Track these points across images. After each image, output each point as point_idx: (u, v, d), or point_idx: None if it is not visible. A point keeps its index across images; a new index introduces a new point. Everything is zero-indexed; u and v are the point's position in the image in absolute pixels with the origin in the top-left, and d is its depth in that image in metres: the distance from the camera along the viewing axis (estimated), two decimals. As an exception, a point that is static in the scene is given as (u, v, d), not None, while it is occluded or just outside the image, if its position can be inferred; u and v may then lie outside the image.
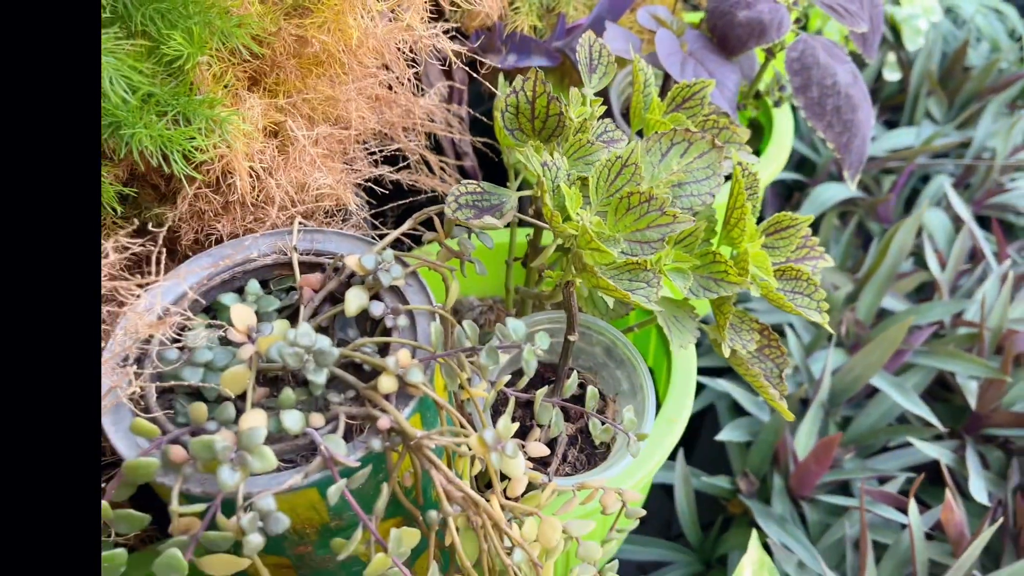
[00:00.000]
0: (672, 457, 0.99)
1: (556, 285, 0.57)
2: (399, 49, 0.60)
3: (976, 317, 1.08)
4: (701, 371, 0.91)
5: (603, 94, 0.76)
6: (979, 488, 0.93)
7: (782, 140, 0.91)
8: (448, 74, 0.78)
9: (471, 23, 0.77)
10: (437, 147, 0.80)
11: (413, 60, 0.67)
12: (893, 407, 1.03)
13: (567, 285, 0.53)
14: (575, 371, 0.70)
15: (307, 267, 0.54)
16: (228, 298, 0.51)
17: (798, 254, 0.68)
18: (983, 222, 1.30)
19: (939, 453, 0.97)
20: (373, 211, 0.77)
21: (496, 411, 0.62)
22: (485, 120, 0.80)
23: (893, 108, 1.45)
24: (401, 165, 0.71)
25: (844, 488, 1.01)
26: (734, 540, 0.96)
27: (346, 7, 0.54)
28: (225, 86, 0.54)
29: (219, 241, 0.55)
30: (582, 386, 0.68)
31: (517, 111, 0.54)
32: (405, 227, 0.53)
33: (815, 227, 1.28)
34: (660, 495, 1.05)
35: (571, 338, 0.58)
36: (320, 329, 0.53)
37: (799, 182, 1.33)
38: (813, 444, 0.99)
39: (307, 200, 0.58)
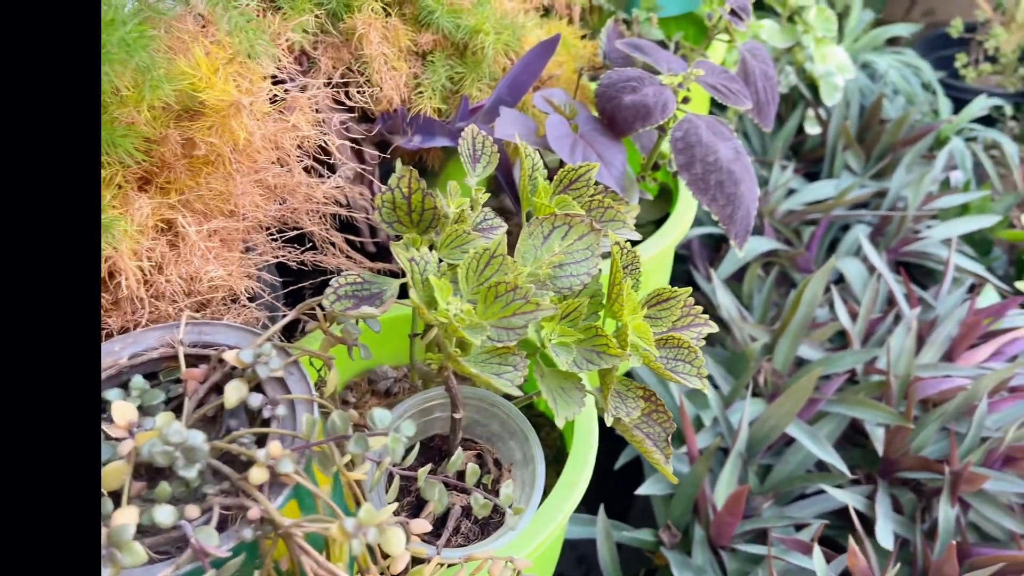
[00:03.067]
0: (594, 512, 1.02)
1: (436, 366, 0.60)
2: (297, 145, 0.63)
3: (885, 365, 1.12)
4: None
5: (507, 174, 0.79)
6: (885, 531, 0.97)
7: (688, 202, 0.96)
8: (359, 155, 0.81)
9: (377, 107, 0.81)
10: (351, 226, 0.83)
11: (323, 150, 0.71)
12: (810, 455, 1.07)
13: (442, 370, 0.56)
14: (472, 442, 0.73)
15: (194, 359, 0.57)
16: (112, 394, 0.53)
17: (682, 322, 0.71)
18: (902, 269, 1.35)
19: (850, 499, 1.01)
20: (291, 287, 0.80)
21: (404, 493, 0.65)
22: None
23: (813, 160, 1.51)
24: (307, 247, 0.74)
25: (763, 536, 1.04)
26: (657, 594, 0.98)
27: (231, 111, 0.57)
28: (119, 186, 0.57)
29: (109, 336, 0.58)
30: (480, 456, 0.71)
31: (394, 206, 0.58)
32: (288, 319, 0.56)
33: (739, 277, 1.32)
34: (589, 550, 1.08)
35: (456, 416, 0.61)
36: (206, 419, 0.56)
37: (725, 236, 1.38)
38: (731, 493, 1.02)
39: (201, 291, 0.61)
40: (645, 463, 1.11)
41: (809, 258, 1.32)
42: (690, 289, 0.69)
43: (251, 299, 0.70)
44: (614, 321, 0.69)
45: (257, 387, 0.55)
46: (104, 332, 0.58)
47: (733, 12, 0.90)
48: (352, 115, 0.79)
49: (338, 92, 0.77)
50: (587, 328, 0.65)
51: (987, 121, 1.68)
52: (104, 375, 0.55)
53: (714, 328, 0.72)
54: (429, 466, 0.58)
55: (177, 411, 0.57)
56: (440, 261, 0.55)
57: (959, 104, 1.64)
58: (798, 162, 1.50)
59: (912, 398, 0.99)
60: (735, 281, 1.32)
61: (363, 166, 0.81)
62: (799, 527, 1.03)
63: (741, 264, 1.28)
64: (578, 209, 0.68)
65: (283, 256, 0.70)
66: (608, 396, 0.65)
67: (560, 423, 0.66)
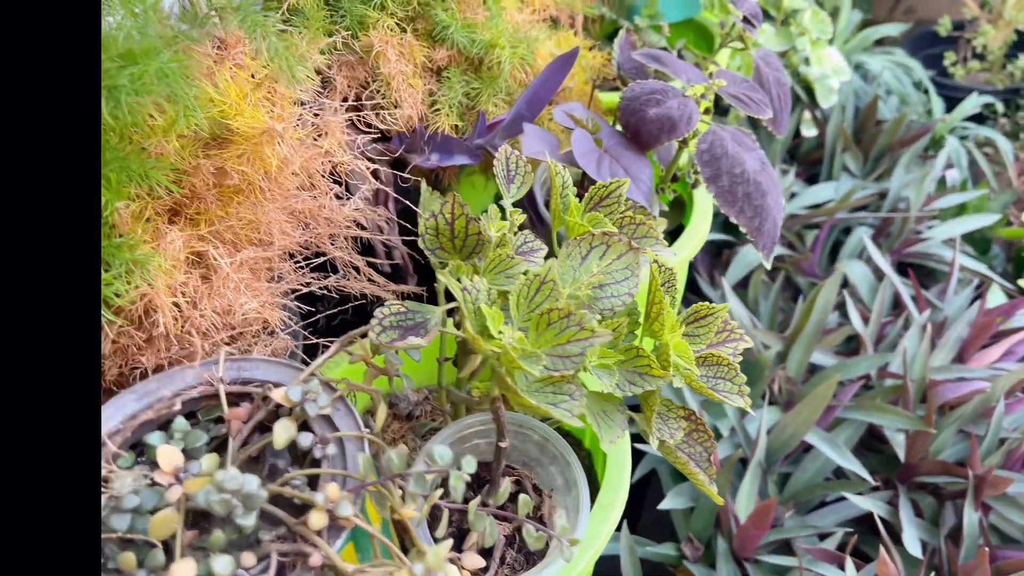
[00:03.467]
0: (617, 528, 1.01)
1: (483, 394, 0.58)
2: (321, 170, 0.61)
3: (900, 368, 1.12)
4: (640, 438, 0.93)
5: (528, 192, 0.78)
6: (912, 539, 0.96)
7: (703, 213, 0.95)
8: (375, 174, 0.79)
9: (395, 127, 0.79)
10: (367, 248, 0.82)
11: (335, 173, 0.69)
12: (828, 462, 1.06)
13: (494, 400, 0.55)
14: (510, 468, 0.71)
15: (235, 396, 0.55)
16: (155, 437, 0.51)
17: (719, 338, 0.70)
18: (904, 270, 1.36)
19: (873, 505, 1.00)
20: (311, 318, 0.78)
21: (434, 517, 0.63)
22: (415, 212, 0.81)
23: (812, 163, 1.51)
24: (317, 267, 0.72)
25: (786, 546, 1.03)
26: (683, 608, 0.97)
27: (264, 139, 0.55)
28: (147, 220, 0.55)
29: (144, 375, 0.56)
30: (518, 483, 0.70)
31: (437, 232, 0.56)
32: (330, 354, 0.54)
33: (744, 283, 1.32)
34: (607, 566, 1.06)
35: (502, 445, 0.59)
36: (250, 460, 0.54)
37: (728, 242, 1.38)
38: (753, 504, 1.01)
39: (234, 323, 0.59)
40: (661, 476, 1.10)
41: (813, 262, 1.32)
42: (727, 305, 0.68)
43: (275, 330, 0.68)
44: (651, 340, 0.67)
45: (303, 425, 0.53)
46: (138, 371, 0.56)
47: (746, 19, 0.89)
48: (367, 133, 0.77)
49: (354, 111, 0.75)
50: (628, 349, 0.64)
51: (976, 119, 1.69)
52: (143, 417, 0.53)
53: (749, 343, 0.71)
54: (478, 499, 0.57)
55: (218, 449, 0.55)
56: (494, 294, 0.53)
57: (948, 102, 1.65)
58: (796, 165, 1.50)
59: (932, 403, 0.99)
60: (740, 288, 1.31)
61: (380, 186, 0.79)
62: (823, 536, 1.02)
63: (747, 270, 1.27)
64: (610, 226, 0.67)
65: (309, 283, 0.68)
66: (652, 418, 0.63)
67: (606, 447, 0.64)
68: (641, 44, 0.94)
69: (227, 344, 0.59)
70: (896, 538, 1.00)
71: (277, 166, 0.57)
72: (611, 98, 1.01)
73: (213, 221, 0.58)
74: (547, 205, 0.90)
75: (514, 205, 0.68)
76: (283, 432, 0.50)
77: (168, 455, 0.48)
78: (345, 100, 0.77)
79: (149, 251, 0.53)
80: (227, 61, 0.59)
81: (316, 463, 0.52)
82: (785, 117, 0.92)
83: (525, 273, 0.56)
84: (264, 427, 0.54)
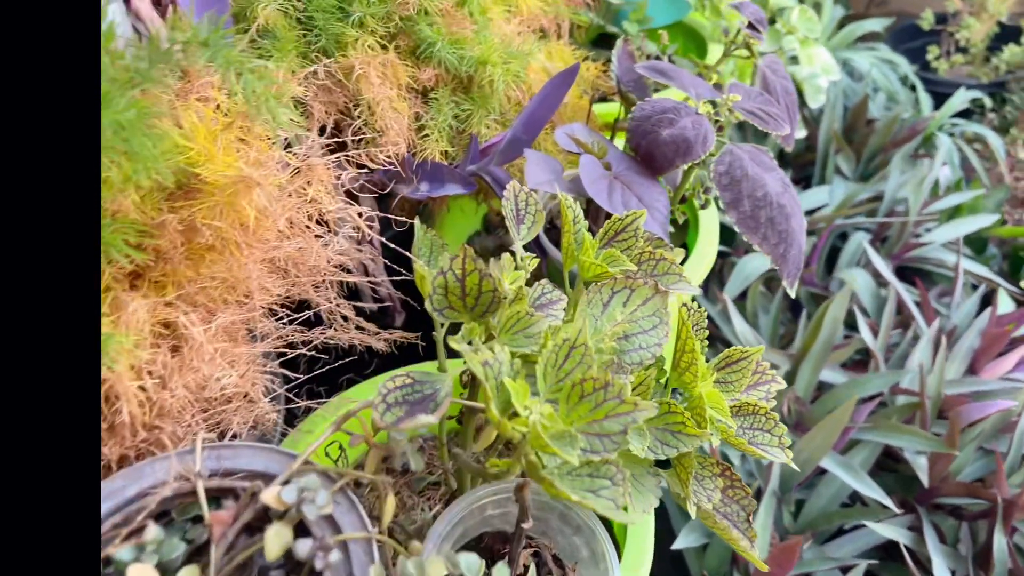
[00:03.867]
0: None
1: (503, 471, 0.51)
2: (306, 220, 0.53)
3: (911, 384, 1.07)
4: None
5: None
6: (943, 570, 0.91)
7: (710, 236, 0.88)
8: (360, 212, 0.72)
9: (379, 156, 0.71)
10: (354, 292, 0.74)
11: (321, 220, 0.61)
12: (843, 486, 1.00)
13: (519, 488, 0.48)
14: (527, 538, 0.64)
15: (216, 492, 0.47)
16: (124, 553, 0.43)
17: (752, 380, 0.64)
18: (905, 275, 1.31)
19: (896, 533, 0.95)
20: (293, 373, 0.70)
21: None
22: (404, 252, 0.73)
23: (803, 166, 1.46)
24: (309, 325, 0.64)
25: (806, 580, 0.98)
26: (702, 654, 0.91)
27: (238, 188, 0.48)
28: (107, 288, 0.47)
29: (107, 469, 0.47)
30: (536, 554, 0.62)
31: (446, 291, 0.49)
32: (325, 436, 0.47)
33: (743, 297, 1.26)
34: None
35: (524, 526, 0.52)
36: (238, 569, 0.46)
37: (722, 252, 1.31)
38: (769, 535, 0.95)
39: (211, 400, 0.51)
40: (670, 512, 1.04)
41: (813, 271, 1.26)
42: (762, 348, 0.61)
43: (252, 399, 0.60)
44: (681, 390, 0.61)
45: (299, 525, 0.45)
46: (101, 465, 0.48)
47: (751, 25, 0.83)
48: (350, 166, 0.69)
49: (335, 140, 0.67)
50: (658, 404, 0.57)
51: (961, 114, 1.65)
52: (108, 524, 0.45)
53: (782, 384, 0.65)
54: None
55: (199, 553, 0.47)
56: (512, 358, 0.46)
57: (933, 97, 1.61)
58: (787, 169, 1.45)
59: (956, 424, 0.93)
60: (737, 300, 1.25)
61: (365, 222, 0.71)
62: (844, 570, 0.97)
63: (745, 284, 1.21)
64: (629, 264, 0.60)
65: (293, 344, 0.60)
66: (689, 482, 0.56)
67: (639, 519, 0.57)
68: (640, 55, 0.87)
69: (202, 414, 0.51)
70: (920, 565, 0.95)
71: (255, 218, 0.49)
72: (608, 110, 0.94)
73: (182, 284, 0.50)
74: (548, 232, 0.83)
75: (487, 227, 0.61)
76: (277, 541, 0.42)
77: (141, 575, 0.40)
78: (323, 130, 0.69)
79: (108, 328, 0.44)
80: (191, 95, 0.51)
81: (317, 573, 0.44)
82: (794, 128, 0.86)
83: (549, 333, 0.49)
84: (252, 529, 0.46)
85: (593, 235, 0.61)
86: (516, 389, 0.44)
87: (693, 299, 0.62)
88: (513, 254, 0.54)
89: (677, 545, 0.95)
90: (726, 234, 1.35)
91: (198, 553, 0.47)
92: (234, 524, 0.45)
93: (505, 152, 0.73)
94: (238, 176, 0.47)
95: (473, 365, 0.43)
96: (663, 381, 0.62)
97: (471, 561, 0.40)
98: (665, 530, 0.99)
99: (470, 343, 0.50)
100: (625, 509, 0.45)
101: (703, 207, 0.83)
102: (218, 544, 0.45)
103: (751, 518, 0.61)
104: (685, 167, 0.79)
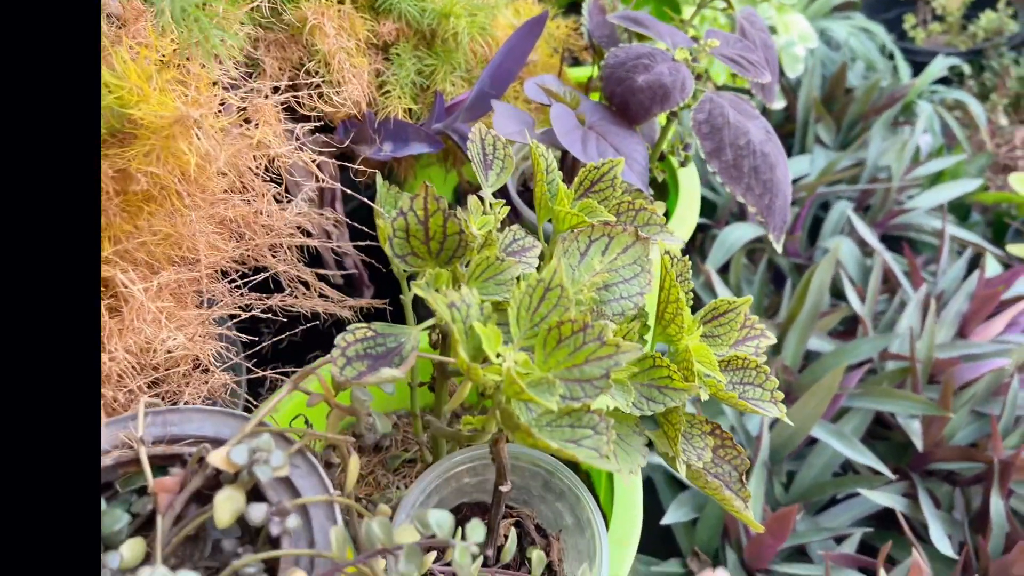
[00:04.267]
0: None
1: (477, 430, 0.47)
2: (254, 167, 0.49)
3: (900, 349, 1.04)
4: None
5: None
6: (940, 536, 0.88)
7: (691, 199, 0.85)
8: (320, 169, 0.68)
9: (338, 114, 0.67)
10: (317, 258, 0.70)
11: (272, 171, 0.57)
12: (834, 456, 0.97)
13: (495, 442, 0.44)
14: (508, 507, 0.60)
15: (162, 460, 0.43)
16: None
17: (741, 334, 0.61)
18: (889, 243, 1.28)
19: (891, 500, 0.92)
20: (254, 346, 0.65)
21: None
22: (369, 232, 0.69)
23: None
24: (268, 293, 0.60)
25: (800, 552, 0.94)
26: (696, 632, 0.87)
27: (176, 130, 0.43)
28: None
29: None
30: (518, 524, 0.59)
31: (408, 234, 0.45)
32: (280, 396, 0.43)
33: (724, 269, 1.23)
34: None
35: (502, 489, 0.49)
36: (188, 540, 0.42)
37: (702, 224, 1.28)
38: (761, 508, 0.92)
39: (156, 364, 0.46)
40: (658, 486, 1.00)
41: (796, 241, 1.23)
42: (749, 299, 0.58)
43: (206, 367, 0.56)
44: (666, 345, 0.57)
45: (254, 491, 0.41)
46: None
47: (726, -23, 0.79)
48: (307, 122, 0.65)
49: (289, 98, 0.63)
50: (642, 359, 0.53)
51: (939, 82, 1.63)
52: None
53: (772, 340, 0.61)
54: (479, 562, 0.46)
55: (145, 527, 0.43)
56: (481, 303, 0.42)
57: (911, 66, 1.58)
58: (766, 140, 1.42)
59: (949, 385, 0.91)
60: (720, 273, 1.22)
61: (325, 184, 0.67)
62: (838, 539, 0.94)
63: (728, 255, 1.18)
64: (606, 214, 0.56)
65: (249, 305, 0.56)
66: (678, 440, 0.53)
67: (627, 480, 0.54)
68: (612, 9, 0.84)
69: (147, 391, 0.47)
70: (917, 533, 0.92)
71: (197, 164, 0.45)
72: (580, 73, 0.91)
73: (119, 238, 0.46)
74: (520, 191, 0.79)
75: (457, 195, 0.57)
76: (227, 506, 0.38)
77: (75, 551, 0.36)
78: (277, 88, 0.65)
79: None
80: (126, 39, 0.47)
81: (274, 540, 0.40)
82: (774, 84, 0.83)
83: (521, 278, 0.45)
84: (203, 497, 0.42)
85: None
86: (487, 335, 0.40)
87: (677, 255, 0.58)
88: (482, 199, 0.50)
89: (666, 520, 0.91)
90: (706, 207, 1.32)
91: (145, 527, 0.43)
92: (182, 492, 0.41)
93: (472, 108, 0.69)
94: (175, 116, 0.43)
95: (437, 306, 0.40)
96: (646, 337, 0.58)
97: (441, 518, 0.37)
98: (653, 506, 0.96)
99: (441, 292, 0.46)
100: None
101: (683, 164, 0.79)
102: (164, 514, 0.41)
103: (744, 478, 0.58)
104: (663, 122, 0.75)
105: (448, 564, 0.46)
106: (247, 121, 0.49)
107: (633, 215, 0.58)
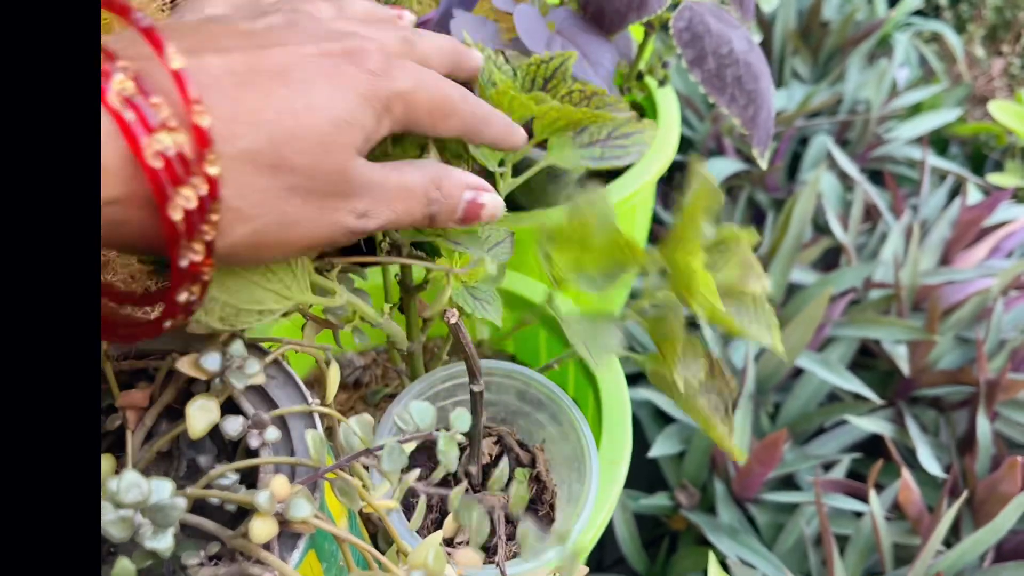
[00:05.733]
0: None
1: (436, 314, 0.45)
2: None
3: (884, 277, 1.03)
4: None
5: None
6: (928, 458, 0.88)
7: (670, 123, 0.83)
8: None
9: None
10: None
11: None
12: (821, 385, 0.97)
13: (449, 320, 0.42)
14: (486, 427, 0.59)
15: (128, 376, 0.41)
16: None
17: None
18: (870, 176, 1.27)
19: (879, 426, 0.92)
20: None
21: (407, 505, 0.50)
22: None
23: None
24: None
25: (788, 482, 0.94)
26: (686, 562, 0.87)
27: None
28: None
29: None
30: (500, 441, 0.57)
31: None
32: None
33: (705, 206, 1.21)
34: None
35: (475, 389, 0.47)
36: (160, 457, 0.40)
37: (678, 162, 1.26)
38: (748, 440, 0.92)
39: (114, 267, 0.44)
40: (643, 421, 1.00)
41: (776, 175, 1.22)
42: (753, 232, 0.56)
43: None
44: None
45: (228, 403, 0.39)
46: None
47: None
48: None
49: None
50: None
51: (916, 14, 1.61)
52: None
53: (766, 279, 0.59)
54: (463, 486, 0.44)
55: (114, 448, 0.41)
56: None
57: None
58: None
59: (935, 309, 0.90)
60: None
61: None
62: (827, 466, 0.93)
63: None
64: (555, 103, 0.52)
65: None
66: (678, 350, 0.51)
67: (598, 367, 0.52)
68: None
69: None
70: (904, 459, 0.92)
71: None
72: (552, -3, 0.88)
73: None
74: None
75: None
76: (201, 416, 0.36)
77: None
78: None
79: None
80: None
81: (252, 454, 0.38)
82: (751, 2, 0.81)
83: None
84: (173, 412, 0.40)
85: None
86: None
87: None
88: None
89: (653, 453, 0.90)
90: (683, 144, 1.30)
91: (115, 447, 0.41)
92: (152, 407, 0.39)
93: (440, 25, 0.66)
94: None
95: None
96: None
97: (423, 409, 0.35)
98: (640, 441, 0.95)
99: None
100: (567, 348, 0.40)
101: (662, 84, 0.77)
102: (134, 430, 0.39)
103: (729, 408, 0.56)
104: (639, 39, 0.73)
105: (433, 483, 0.44)
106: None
107: (587, 102, 0.54)
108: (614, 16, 0.62)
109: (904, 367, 0.92)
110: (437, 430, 0.37)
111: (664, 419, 0.98)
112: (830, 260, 1.13)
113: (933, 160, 1.20)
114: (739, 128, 0.65)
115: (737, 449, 0.55)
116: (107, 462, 0.38)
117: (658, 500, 0.91)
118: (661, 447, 0.91)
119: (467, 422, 0.37)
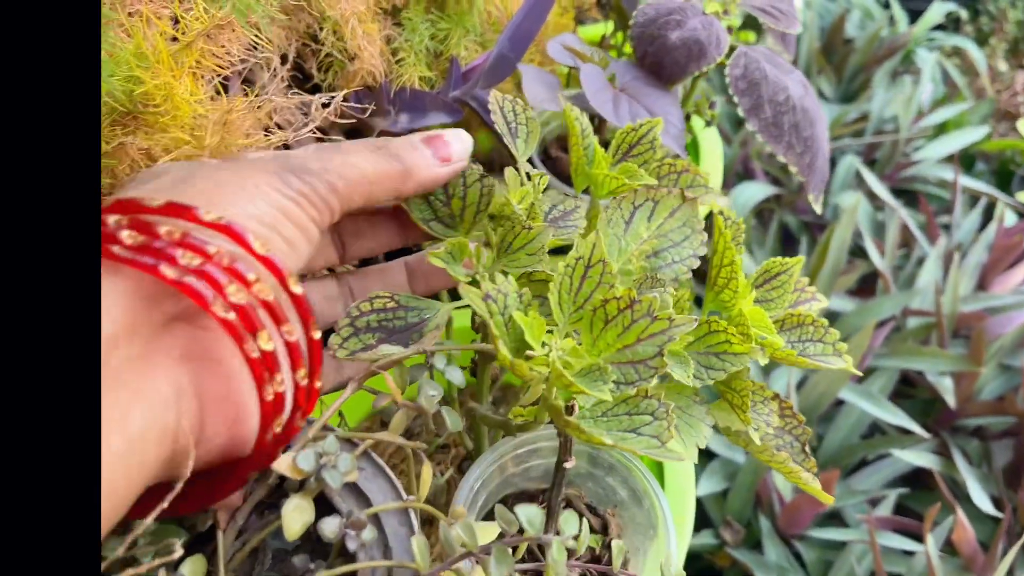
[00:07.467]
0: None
1: (529, 422, 0.44)
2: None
3: (922, 304, 1.02)
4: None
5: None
6: (980, 494, 0.87)
7: (714, 162, 0.82)
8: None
9: (349, 83, 0.63)
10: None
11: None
12: (863, 416, 0.96)
13: (564, 425, 0.41)
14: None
15: (214, 470, 0.40)
16: (108, 546, 0.35)
17: (792, 298, 0.58)
18: (900, 196, 1.26)
19: (925, 460, 0.91)
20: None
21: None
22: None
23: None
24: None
25: (834, 517, 0.93)
26: (735, 602, 0.86)
27: (202, 123, 0.40)
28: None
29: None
30: (569, 505, 0.56)
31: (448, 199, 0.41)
32: (346, 396, 0.39)
33: (735, 231, 1.20)
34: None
35: (567, 465, 0.46)
36: (250, 554, 0.39)
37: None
38: (792, 474, 0.90)
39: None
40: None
41: (806, 199, 1.21)
42: (802, 259, 0.55)
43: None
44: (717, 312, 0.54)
45: (320, 498, 0.38)
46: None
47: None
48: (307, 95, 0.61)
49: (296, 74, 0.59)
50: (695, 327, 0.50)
51: (936, 29, 1.60)
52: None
53: (825, 302, 0.58)
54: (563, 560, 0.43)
55: (202, 542, 0.40)
56: (520, 285, 0.39)
57: (908, 13, 1.56)
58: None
59: (980, 340, 0.89)
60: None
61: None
62: (873, 502, 0.92)
63: (739, 216, 1.16)
64: (648, 178, 0.53)
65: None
66: (747, 408, 0.50)
67: (694, 456, 0.51)
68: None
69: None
70: (953, 491, 0.90)
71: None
72: (592, 32, 0.87)
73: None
74: (543, 158, 0.76)
75: (487, 169, 0.54)
76: (296, 517, 0.35)
77: (133, 577, 0.33)
78: (285, 58, 0.61)
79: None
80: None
81: (345, 551, 0.37)
82: (792, 37, 0.80)
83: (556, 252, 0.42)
84: (264, 506, 0.39)
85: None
86: (529, 324, 0.37)
87: (731, 216, 0.55)
88: (518, 170, 0.47)
89: (699, 492, 0.89)
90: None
91: (200, 541, 0.40)
92: (245, 504, 0.38)
93: (491, 72, 0.65)
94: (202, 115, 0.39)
95: (472, 301, 0.36)
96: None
97: (532, 513, 0.34)
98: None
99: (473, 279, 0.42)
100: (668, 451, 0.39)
101: (708, 124, 0.76)
102: (225, 530, 0.37)
103: (807, 448, 0.55)
104: (689, 81, 0.72)
105: (523, 561, 0.43)
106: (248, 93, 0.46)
107: (675, 177, 0.55)
108: (673, 67, 0.61)
109: (950, 399, 0.91)
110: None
111: (706, 455, 0.97)
112: (865, 285, 1.12)
113: (963, 180, 1.19)
114: (796, 176, 0.64)
115: (823, 493, 0.54)
116: (198, 563, 0.36)
117: (702, 539, 0.90)
118: (705, 485, 0.90)
119: (576, 525, 0.36)
